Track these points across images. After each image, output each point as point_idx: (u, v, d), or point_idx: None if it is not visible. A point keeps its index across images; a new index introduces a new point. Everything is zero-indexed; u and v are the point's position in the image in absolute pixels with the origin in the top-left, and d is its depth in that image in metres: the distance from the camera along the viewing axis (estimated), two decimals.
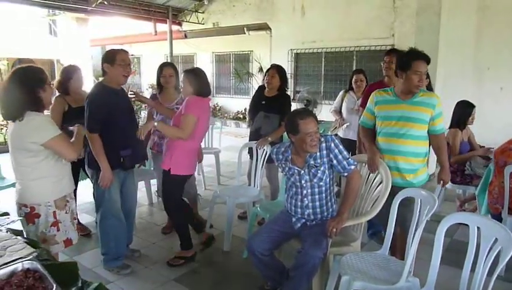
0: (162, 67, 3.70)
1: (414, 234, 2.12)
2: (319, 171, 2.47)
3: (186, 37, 11.68)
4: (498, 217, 3.24)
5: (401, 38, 7.41)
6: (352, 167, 2.48)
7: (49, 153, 2.25)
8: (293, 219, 2.59)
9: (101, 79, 3.02)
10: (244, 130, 10.95)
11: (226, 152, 6.73)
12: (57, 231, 2.34)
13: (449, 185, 4.29)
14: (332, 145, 2.45)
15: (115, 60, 2.83)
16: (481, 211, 3.47)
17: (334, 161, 2.45)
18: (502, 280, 2.82)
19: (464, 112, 4.04)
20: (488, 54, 6.53)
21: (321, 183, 2.49)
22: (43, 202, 2.29)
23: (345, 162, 2.45)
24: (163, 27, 11.13)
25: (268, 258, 2.55)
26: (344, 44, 8.36)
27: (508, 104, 6.38)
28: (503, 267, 2.86)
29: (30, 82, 2.20)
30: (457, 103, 4.12)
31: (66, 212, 2.40)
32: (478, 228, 1.79)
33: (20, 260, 1.39)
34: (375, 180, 2.68)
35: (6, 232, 1.75)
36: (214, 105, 12.60)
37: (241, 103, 11.79)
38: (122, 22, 12.08)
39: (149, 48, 13.49)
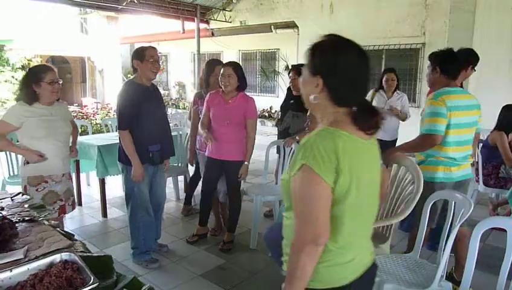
0: (214, 66, 3.59)
1: (447, 238, 2.07)
2: None
3: (213, 35, 11.76)
4: None
5: (433, 36, 7.22)
6: None
7: (23, 134, 2.71)
8: None
9: (130, 77, 3.09)
10: (270, 128, 10.94)
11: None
12: None
13: (482, 188, 4.16)
14: None
15: (144, 56, 2.90)
16: None
17: None
18: None
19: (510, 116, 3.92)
20: None
21: None
22: (22, 176, 2.81)
23: None
24: (190, 25, 11.25)
25: None
26: (373, 42, 8.20)
27: None
28: None
29: (29, 78, 2.71)
30: (504, 106, 4.00)
31: (37, 190, 2.75)
32: None
33: (58, 252, 1.43)
34: (406, 181, 2.62)
35: (44, 224, 1.81)
36: None
37: (267, 101, 11.79)
38: (151, 20, 12.28)
39: (176, 45, 13.66)
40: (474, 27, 5.81)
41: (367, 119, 1.23)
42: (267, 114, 11.74)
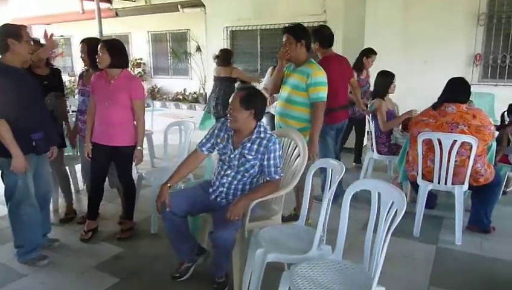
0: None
1: (326, 202, 2.16)
2: (247, 163, 2.44)
3: (117, 15, 11.11)
4: (415, 184, 3.42)
5: (333, 14, 7.49)
6: (277, 177, 2.45)
7: None
8: (211, 189, 2.57)
9: None
10: (185, 111, 10.74)
11: (161, 134, 6.53)
12: None
13: (376, 155, 4.44)
14: (272, 147, 2.41)
15: (22, 36, 2.64)
16: (400, 178, 3.65)
17: (265, 162, 2.42)
18: (416, 240, 3.01)
19: (384, 81, 4.21)
20: (414, 28, 6.78)
21: (246, 174, 2.48)
22: None
23: (272, 169, 2.42)
24: (91, 4, 10.47)
25: (181, 221, 2.51)
26: (279, 21, 8.29)
27: (430, 76, 6.68)
28: (417, 228, 3.04)
29: None
30: (378, 73, 4.28)
31: None
32: (379, 193, 1.85)
33: None
34: (294, 153, 2.70)
35: None
36: (152, 86, 12.19)
37: (180, 84, 11.52)
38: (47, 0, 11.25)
39: (79, 27, 12.64)
40: (365, 5, 6.12)
41: None
42: (181, 97, 11.50)
